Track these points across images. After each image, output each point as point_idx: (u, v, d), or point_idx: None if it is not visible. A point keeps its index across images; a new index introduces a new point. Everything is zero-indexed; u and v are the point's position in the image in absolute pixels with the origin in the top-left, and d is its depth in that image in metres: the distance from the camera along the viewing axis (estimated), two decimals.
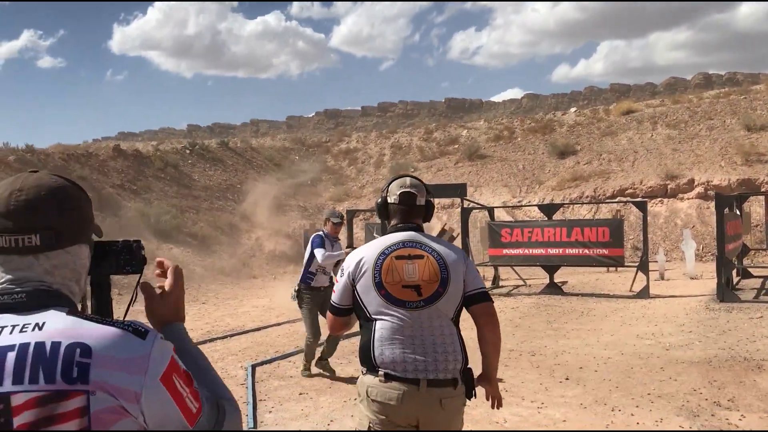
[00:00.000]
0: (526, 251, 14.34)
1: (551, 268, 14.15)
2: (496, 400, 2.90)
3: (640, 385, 6.53)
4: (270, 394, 6.56)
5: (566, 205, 22.52)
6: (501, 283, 15.82)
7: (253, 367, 7.55)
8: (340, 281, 2.89)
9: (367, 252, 2.89)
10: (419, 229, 2.95)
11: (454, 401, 2.72)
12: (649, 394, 6.19)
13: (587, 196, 23.60)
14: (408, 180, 2.99)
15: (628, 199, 21.05)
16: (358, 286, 2.83)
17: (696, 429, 5.16)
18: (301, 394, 6.56)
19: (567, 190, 24.74)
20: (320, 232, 6.98)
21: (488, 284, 15.60)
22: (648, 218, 22.62)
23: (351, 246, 17.23)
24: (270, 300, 14.27)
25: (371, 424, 2.70)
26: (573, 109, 35.30)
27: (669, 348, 8.29)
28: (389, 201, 2.96)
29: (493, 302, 2.86)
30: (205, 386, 1.28)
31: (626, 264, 14.36)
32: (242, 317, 11.94)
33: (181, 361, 1.23)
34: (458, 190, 15.18)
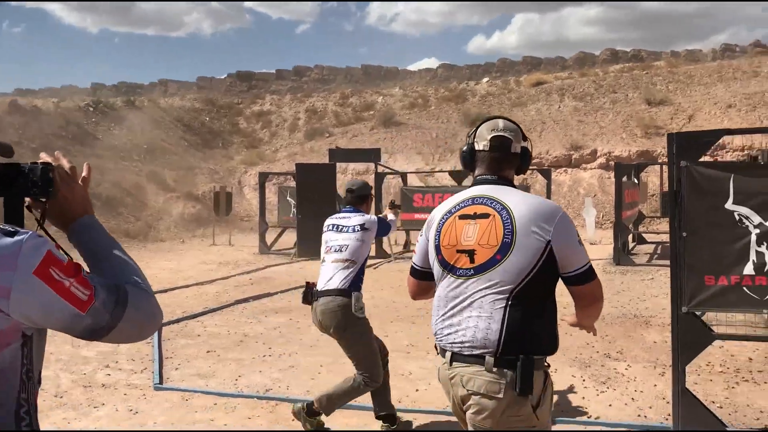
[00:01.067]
0: None
1: None
2: (592, 331, 2.67)
3: None
4: (177, 352, 6.49)
5: None
6: (412, 248, 16.11)
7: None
8: (420, 240, 2.56)
9: (438, 209, 2.52)
10: (507, 183, 2.45)
11: (486, 385, 2.22)
12: None
13: None
14: (501, 122, 2.47)
15: (534, 167, 21.69)
16: (429, 248, 2.50)
17: (587, 377, 5.50)
18: (208, 351, 6.53)
19: None
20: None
21: (400, 248, 15.88)
22: (552, 186, 23.43)
23: (263, 214, 17.09)
24: (178, 263, 13.98)
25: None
26: (485, 80, 35.95)
27: (566, 306, 8.69)
28: (477, 148, 2.46)
29: (594, 281, 2.34)
30: (111, 274, 1.33)
31: None
32: (149, 280, 11.64)
33: (97, 249, 1.37)
34: (372, 155, 15.26)
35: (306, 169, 14.81)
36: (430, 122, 29.24)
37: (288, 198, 15.58)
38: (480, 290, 2.29)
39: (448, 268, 2.38)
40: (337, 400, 4.21)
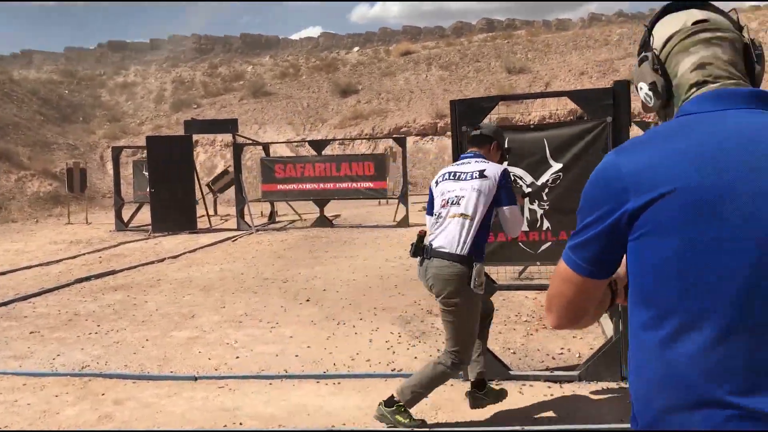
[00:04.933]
0: (300, 186, 14.69)
1: (321, 202, 14.66)
2: None
3: (371, 301, 7.13)
4: None
5: (342, 142, 23.23)
6: (278, 219, 16.11)
7: None
8: None
9: None
10: None
11: None
12: (375, 308, 6.80)
13: (366, 134, 24.48)
14: None
15: (389, 136, 22.09)
16: None
17: (404, 333, 5.80)
18: (31, 332, 6.32)
19: (348, 128, 25.45)
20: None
21: (264, 220, 15.84)
22: (419, 154, 23.95)
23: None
24: (24, 244, 13.29)
25: None
26: (356, 49, 36.04)
27: (409, 269, 9.06)
28: None
29: None
30: None
31: (391, 196, 15.31)
32: None
33: None
34: (230, 126, 15.04)
35: (159, 142, 14.40)
36: (301, 92, 29.08)
37: (144, 172, 15.11)
38: None
39: None
40: (421, 389, 3.70)
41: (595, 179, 1.28)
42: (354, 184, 14.41)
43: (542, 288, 5.50)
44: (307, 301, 7.29)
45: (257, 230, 14.08)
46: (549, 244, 4.38)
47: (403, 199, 14.10)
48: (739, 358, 1.12)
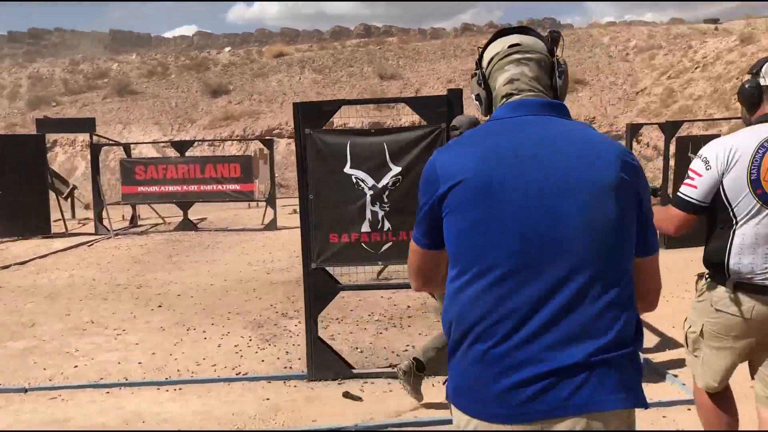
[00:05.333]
0: (162, 188, 14.19)
1: (185, 205, 14.25)
2: None
3: (226, 306, 7.03)
4: None
5: (212, 143, 22.73)
6: (141, 222, 15.49)
7: None
8: (703, 173, 2.58)
9: (739, 143, 2.57)
10: None
11: None
12: (230, 312, 6.71)
13: (238, 135, 24.07)
14: None
15: (260, 137, 21.83)
16: (725, 181, 2.55)
17: (254, 337, 5.76)
18: None
19: (219, 129, 24.91)
20: None
21: (126, 224, 15.18)
22: (293, 157, 23.74)
23: None
24: None
25: (703, 326, 2.67)
26: (227, 49, 35.36)
27: (270, 272, 9.03)
28: (765, 83, 2.65)
29: None
30: None
31: (260, 198, 15.13)
32: None
33: None
34: (87, 125, 14.32)
35: (8, 141, 13.46)
36: (169, 91, 28.15)
37: None
38: None
39: None
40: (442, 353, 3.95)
41: (423, 173, 1.64)
42: (220, 186, 14.11)
43: (396, 287, 5.66)
44: (159, 306, 7.07)
45: (116, 234, 13.48)
46: (390, 244, 4.51)
47: (272, 201, 14.00)
48: (506, 305, 1.48)
